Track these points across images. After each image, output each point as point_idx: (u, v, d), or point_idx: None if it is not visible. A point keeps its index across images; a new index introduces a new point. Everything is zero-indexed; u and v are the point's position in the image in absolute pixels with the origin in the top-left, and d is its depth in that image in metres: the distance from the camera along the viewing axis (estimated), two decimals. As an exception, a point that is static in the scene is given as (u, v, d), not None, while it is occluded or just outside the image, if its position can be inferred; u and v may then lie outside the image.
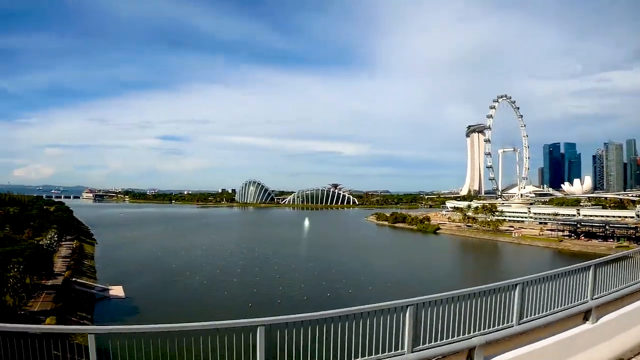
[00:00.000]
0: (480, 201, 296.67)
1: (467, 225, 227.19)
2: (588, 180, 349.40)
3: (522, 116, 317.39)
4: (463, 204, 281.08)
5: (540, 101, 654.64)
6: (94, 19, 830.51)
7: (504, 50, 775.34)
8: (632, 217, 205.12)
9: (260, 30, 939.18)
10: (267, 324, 9.17)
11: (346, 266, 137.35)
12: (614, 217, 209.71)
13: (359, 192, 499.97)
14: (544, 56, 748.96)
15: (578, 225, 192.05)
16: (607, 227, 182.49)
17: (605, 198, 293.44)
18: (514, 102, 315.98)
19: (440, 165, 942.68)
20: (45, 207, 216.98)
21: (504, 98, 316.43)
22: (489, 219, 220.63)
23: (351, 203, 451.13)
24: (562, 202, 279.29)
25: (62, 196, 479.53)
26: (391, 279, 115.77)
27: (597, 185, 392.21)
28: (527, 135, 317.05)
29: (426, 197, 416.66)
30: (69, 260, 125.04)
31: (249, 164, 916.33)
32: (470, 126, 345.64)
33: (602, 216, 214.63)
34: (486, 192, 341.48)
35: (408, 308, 10.06)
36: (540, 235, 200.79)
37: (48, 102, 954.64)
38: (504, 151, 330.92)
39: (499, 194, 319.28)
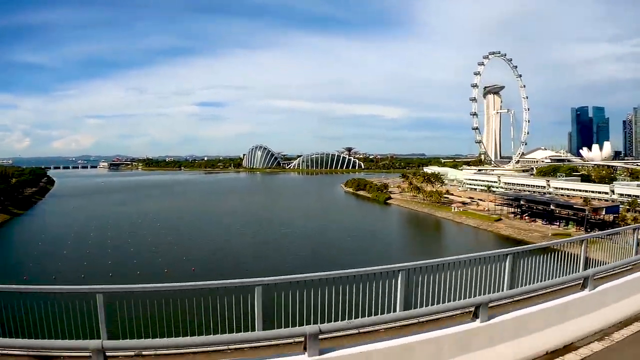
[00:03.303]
0: (485, 167, 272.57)
1: (413, 196, 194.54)
2: (607, 146, 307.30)
3: (520, 75, 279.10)
4: (439, 170, 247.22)
5: (576, 66, 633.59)
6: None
7: (543, 16, 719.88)
8: (607, 194, 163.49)
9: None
10: (264, 283, 10.10)
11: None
12: (587, 191, 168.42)
13: (385, 156, 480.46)
14: (582, 21, 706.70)
15: (520, 202, 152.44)
16: (551, 206, 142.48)
17: (627, 168, 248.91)
18: (510, 60, 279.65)
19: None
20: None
21: (496, 54, 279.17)
22: (434, 189, 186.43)
23: (357, 167, 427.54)
24: (554, 169, 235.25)
25: (79, 167, 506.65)
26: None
27: (626, 152, 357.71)
28: (527, 97, 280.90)
29: (442, 161, 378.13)
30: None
31: (288, 129, 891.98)
32: (486, 87, 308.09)
33: (575, 190, 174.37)
34: (504, 157, 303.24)
35: (400, 272, 11.19)
36: (486, 210, 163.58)
37: (86, 73, 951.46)
38: (497, 112, 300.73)
39: (489, 159, 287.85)
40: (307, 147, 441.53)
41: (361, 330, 10.07)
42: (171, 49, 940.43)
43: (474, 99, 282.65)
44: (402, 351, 9.16)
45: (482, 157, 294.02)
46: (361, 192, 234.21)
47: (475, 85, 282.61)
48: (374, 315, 10.47)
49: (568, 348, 10.93)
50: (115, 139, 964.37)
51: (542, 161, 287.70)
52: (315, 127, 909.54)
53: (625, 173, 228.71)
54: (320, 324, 8.92)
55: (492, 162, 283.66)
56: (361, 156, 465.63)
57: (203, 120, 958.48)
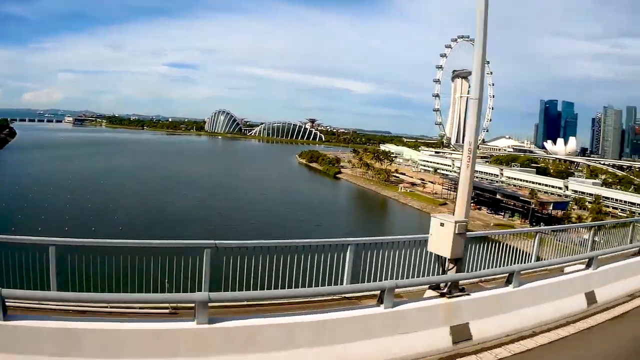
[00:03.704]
0: (444, 149, 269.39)
1: (363, 172, 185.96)
2: (572, 142, 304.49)
3: (488, 62, 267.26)
4: (395, 149, 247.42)
5: (551, 59, 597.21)
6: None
7: (522, 6, 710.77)
8: (561, 188, 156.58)
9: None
10: (213, 246, 10.30)
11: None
12: (541, 184, 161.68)
13: (349, 130, 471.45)
14: (562, 16, 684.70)
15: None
16: (497, 195, 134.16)
17: (588, 165, 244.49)
18: None
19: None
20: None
21: (465, 38, 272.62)
22: (383, 167, 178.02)
23: (317, 139, 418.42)
24: (512, 159, 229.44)
25: (45, 120, 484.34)
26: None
27: (592, 150, 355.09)
28: (493, 84, 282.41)
29: (405, 140, 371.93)
30: None
31: (258, 97, 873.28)
32: (455, 71, 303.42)
33: (528, 181, 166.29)
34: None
35: (349, 247, 11.54)
36: (433, 193, 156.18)
37: (64, 26, 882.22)
38: (460, 96, 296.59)
39: (448, 142, 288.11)
40: (275, 116, 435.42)
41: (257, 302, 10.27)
42: (150, 8, 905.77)
43: (437, 81, 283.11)
44: (288, 329, 8.76)
45: (444, 139, 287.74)
46: (314, 165, 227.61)
47: (440, 67, 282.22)
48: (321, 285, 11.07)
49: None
50: (85, 94, 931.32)
51: (504, 150, 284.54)
52: (285, 97, 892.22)
53: (585, 170, 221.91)
54: (212, 292, 8.75)
55: (451, 146, 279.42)
56: (324, 129, 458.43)
57: (174, 81, 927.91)
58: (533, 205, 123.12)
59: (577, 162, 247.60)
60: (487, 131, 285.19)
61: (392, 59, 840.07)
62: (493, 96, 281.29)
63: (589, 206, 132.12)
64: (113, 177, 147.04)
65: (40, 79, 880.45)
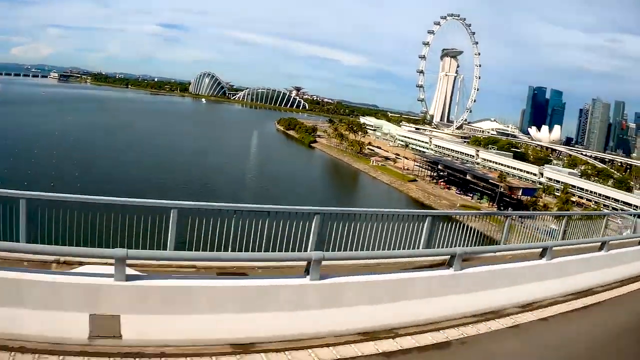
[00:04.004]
0: (425, 126, 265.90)
1: (339, 143, 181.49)
2: (557, 130, 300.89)
3: (477, 43, 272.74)
4: (375, 122, 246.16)
5: (544, 47, 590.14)
6: None
7: None
8: (535, 175, 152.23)
9: None
10: (179, 207, 10.51)
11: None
12: (515, 169, 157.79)
13: (334, 101, 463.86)
14: (560, 5, 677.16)
15: (438, 166, 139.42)
16: (467, 176, 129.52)
17: (569, 155, 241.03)
18: (469, 26, 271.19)
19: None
20: None
21: (454, 17, 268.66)
22: (357, 139, 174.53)
23: (301, 108, 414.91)
24: (493, 142, 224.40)
25: (30, 75, 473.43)
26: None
27: (578, 140, 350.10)
28: (480, 65, 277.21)
29: (389, 114, 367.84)
30: None
31: (246, 61, 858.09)
32: (444, 49, 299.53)
33: (503, 165, 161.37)
34: (451, 122, 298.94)
35: (315, 216, 11.37)
36: (405, 169, 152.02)
37: None
38: (446, 75, 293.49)
39: (429, 119, 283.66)
40: (263, 82, 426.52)
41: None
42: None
43: (423, 57, 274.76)
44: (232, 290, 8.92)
45: (427, 116, 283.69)
46: (291, 132, 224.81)
47: (427, 44, 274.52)
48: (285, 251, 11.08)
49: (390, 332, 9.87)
50: (74, 51, 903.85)
51: (488, 132, 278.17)
52: (273, 63, 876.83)
53: (567, 159, 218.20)
54: (129, 249, 8.55)
55: (433, 123, 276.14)
56: (309, 97, 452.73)
57: (164, 41, 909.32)
58: (502, 189, 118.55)
59: (559, 150, 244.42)
60: (470, 111, 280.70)
61: (385, 34, 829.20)
62: (479, 77, 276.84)
63: (558, 195, 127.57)
64: (77, 135, 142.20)
65: (29, 33, 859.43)
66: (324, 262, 9.52)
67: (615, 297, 14.07)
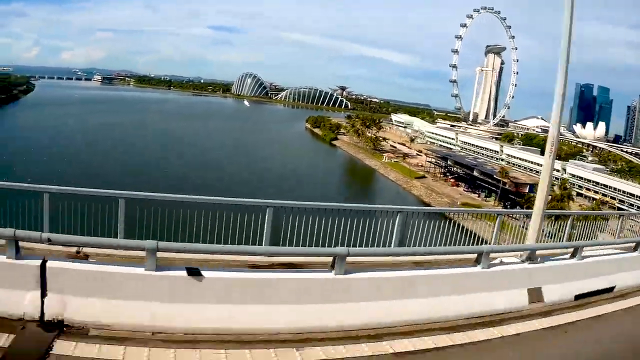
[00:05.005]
0: (462, 123, 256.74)
1: (358, 140, 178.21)
2: (602, 127, 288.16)
3: (514, 37, 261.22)
4: (406, 119, 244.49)
5: (589, 44, 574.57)
6: None
7: None
8: (558, 171, 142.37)
9: None
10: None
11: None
12: (536, 164, 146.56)
13: (384, 100, 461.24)
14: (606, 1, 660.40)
15: (448, 163, 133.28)
16: (474, 172, 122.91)
17: (609, 152, 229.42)
18: (505, 19, 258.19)
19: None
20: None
21: (488, 10, 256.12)
22: (373, 135, 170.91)
23: (343, 107, 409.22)
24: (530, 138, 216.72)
25: (74, 78, 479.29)
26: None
27: (626, 138, 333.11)
28: (517, 60, 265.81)
29: (435, 113, 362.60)
30: None
31: (295, 62, 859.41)
32: (488, 46, 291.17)
33: (525, 160, 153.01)
34: (502, 121, 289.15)
35: (268, 209, 11.38)
36: (419, 165, 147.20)
37: None
38: (481, 70, 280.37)
39: (464, 116, 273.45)
40: (310, 82, 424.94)
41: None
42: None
43: (455, 51, 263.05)
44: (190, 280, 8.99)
45: (462, 112, 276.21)
46: (316, 130, 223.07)
47: (459, 37, 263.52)
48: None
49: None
50: (123, 54, 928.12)
51: (533, 130, 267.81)
52: (324, 63, 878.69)
53: (606, 156, 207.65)
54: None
55: (468, 120, 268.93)
56: (353, 97, 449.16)
57: (213, 44, 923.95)
58: (507, 186, 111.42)
59: (600, 147, 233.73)
60: (508, 108, 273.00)
61: (436, 34, 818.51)
62: (517, 72, 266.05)
63: (557, 191, 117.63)
64: (101, 136, 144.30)
65: (78, 38, 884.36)
66: (348, 259, 9.72)
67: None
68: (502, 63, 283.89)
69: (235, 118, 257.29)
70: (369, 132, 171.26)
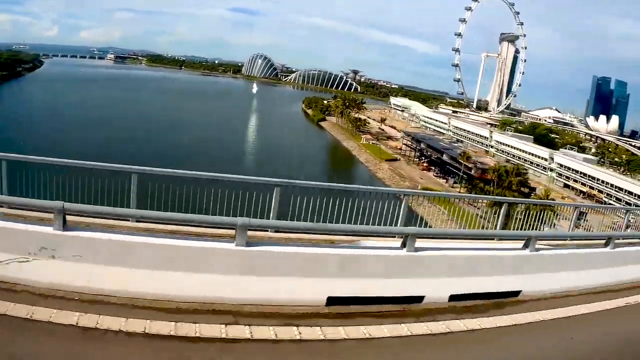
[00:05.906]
0: (465, 110, 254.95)
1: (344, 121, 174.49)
2: (614, 120, 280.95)
3: (522, 23, 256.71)
4: (404, 102, 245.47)
5: (609, 38, 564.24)
6: None
7: None
8: (546, 160, 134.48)
9: None
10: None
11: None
12: (526, 152, 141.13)
13: (401, 86, 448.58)
14: None
15: (421, 145, 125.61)
16: (444, 156, 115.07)
17: (616, 146, 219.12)
18: (513, 5, 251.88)
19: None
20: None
21: None
22: (356, 116, 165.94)
23: (352, 90, 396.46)
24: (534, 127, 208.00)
25: (87, 57, 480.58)
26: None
27: None
28: (525, 47, 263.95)
29: (448, 100, 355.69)
30: None
31: (316, 47, 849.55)
32: (502, 34, 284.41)
33: (513, 148, 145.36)
34: (512, 110, 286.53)
35: (275, 188, 11.48)
36: (397, 148, 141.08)
37: None
38: (487, 55, 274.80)
39: (467, 102, 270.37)
40: (327, 66, 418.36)
41: None
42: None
43: (459, 35, 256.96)
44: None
45: (467, 99, 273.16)
46: (309, 111, 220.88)
47: (463, 20, 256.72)
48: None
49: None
50: (142, 34, 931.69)
51: (544, 120, 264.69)
52: (344, 48, 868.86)
53: (610, 148, 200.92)
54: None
55: (471, 106, 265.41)
56: (365, 81, 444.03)
57: (233, 25, 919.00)
58: (472, 171, 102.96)
59: (608, 140, 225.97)
60: (515, 96, 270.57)
61: (455, 19, 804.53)
62: (525, 60, 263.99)
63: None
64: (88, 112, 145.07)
65: (97, 17, 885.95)
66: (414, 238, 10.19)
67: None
68: (517, 52, 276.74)
69: (239, 98, 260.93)
70: (354, 113, 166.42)
